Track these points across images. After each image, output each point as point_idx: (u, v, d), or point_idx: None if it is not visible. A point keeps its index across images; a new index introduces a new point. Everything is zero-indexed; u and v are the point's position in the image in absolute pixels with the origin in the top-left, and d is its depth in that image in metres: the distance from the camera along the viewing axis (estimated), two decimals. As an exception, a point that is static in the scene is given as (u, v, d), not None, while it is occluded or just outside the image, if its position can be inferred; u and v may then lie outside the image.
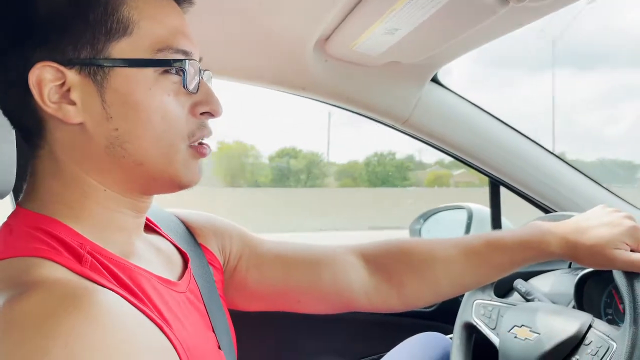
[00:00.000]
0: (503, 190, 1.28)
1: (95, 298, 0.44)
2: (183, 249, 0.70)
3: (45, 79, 0.52)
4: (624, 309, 0.96)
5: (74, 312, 0.42)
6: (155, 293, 0.56)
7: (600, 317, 0.96)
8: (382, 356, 1.06)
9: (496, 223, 1.31)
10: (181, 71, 0.56)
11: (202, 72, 0.59)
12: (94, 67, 0.53)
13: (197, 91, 0.58)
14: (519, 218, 1.36)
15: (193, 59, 0.57)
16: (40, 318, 0.42)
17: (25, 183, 0.58)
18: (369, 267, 0.81)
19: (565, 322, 0.82)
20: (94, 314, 0.43)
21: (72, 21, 0.52)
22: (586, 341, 0.77)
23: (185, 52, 0.56)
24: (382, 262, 0.82)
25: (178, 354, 0.52)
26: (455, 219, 1.48)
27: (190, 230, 0.75)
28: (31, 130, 0.56)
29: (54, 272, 0.47)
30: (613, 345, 0.74)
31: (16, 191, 0.80)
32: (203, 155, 0.60)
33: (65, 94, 0.53)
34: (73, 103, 0.53)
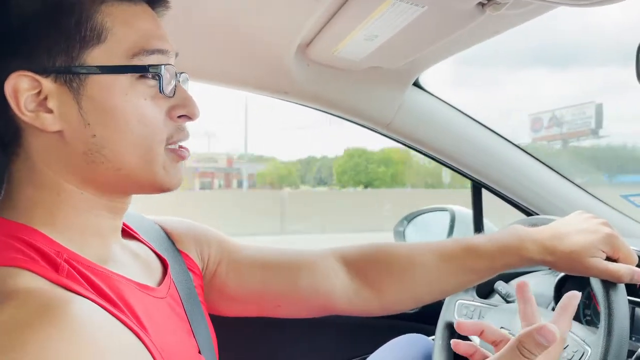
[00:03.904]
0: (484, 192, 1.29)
1: (70, 309, 0.44)
2: (162, 255, 0.70)
3: (22, 88, 0.52)
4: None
5: (47, 323, 0.42)
6: (134, 299, 0.56)
7: (579, 319, 0.98)
8: (365, 358, 1.06)
9: (478, 225, 1.33)
10: (157, 76, 0.56)
11: (178, 75, 0.59)
12: (69, 75, 0.53)
13: (173, 95, 0.58)
14: (495, 217, 1.38)
15: (169, 64, 0.57)
16: (13, 329, 0.42)
17: (2, 190, 0.58)
18: (349, 271, 0.81)
19: None
20: (67, 326, 0.43)
21: (46, 30, 0.52)
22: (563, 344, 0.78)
23: (160, 51, 0.56)
24: (362, 266, 0.82)
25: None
26: (438, 220, 1.50)
27: (169, 237, 0.75)
28: (7, 138, 0.56)
29: (30, 281, 0.47)
30: (588, 350, 0.75)
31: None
32: (183, 158, 0.60)
33: (42, 102, 0.53)
34: (50, 111, 0.53)
